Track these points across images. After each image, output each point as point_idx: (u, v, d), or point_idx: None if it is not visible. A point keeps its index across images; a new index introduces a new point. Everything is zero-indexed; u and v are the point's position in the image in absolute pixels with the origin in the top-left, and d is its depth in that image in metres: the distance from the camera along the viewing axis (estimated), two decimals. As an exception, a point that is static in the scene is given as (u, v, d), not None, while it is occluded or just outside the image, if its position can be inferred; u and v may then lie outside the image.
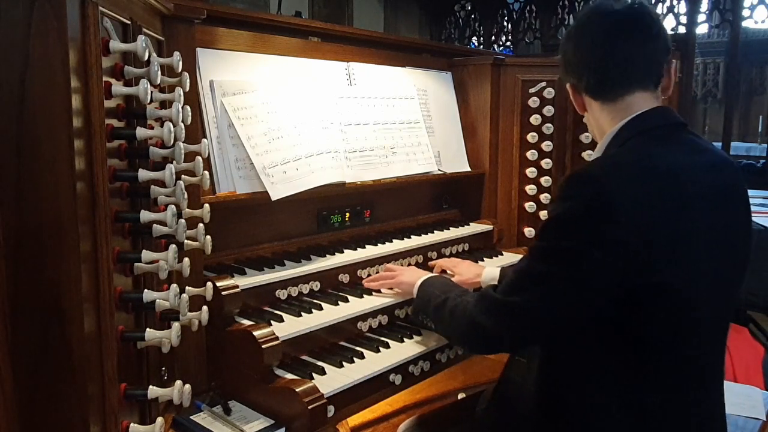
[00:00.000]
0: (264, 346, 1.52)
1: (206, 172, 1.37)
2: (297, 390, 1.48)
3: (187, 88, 1.31)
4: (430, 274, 1.85)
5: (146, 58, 1.12)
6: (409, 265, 2.15)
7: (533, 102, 2.54)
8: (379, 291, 1.94)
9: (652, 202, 1.23)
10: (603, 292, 1.25)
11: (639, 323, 1.27)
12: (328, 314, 1.75)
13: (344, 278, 1.97)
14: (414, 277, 1.86)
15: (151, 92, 1.11)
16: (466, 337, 1.52)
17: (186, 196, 1.26)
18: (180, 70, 1.27)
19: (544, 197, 2.58)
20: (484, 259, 2.36)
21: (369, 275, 2.02)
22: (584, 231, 1.24)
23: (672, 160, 1.30)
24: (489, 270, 1.96)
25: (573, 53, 1.48)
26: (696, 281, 1.28)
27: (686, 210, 1.26)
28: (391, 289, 1.94)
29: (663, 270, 1.24)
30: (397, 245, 2.14)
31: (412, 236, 2.24)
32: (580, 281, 1.26)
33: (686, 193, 1.27)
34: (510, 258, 2.43)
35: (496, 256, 2.43)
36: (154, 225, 1.15)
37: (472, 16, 9.41)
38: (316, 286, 1.88)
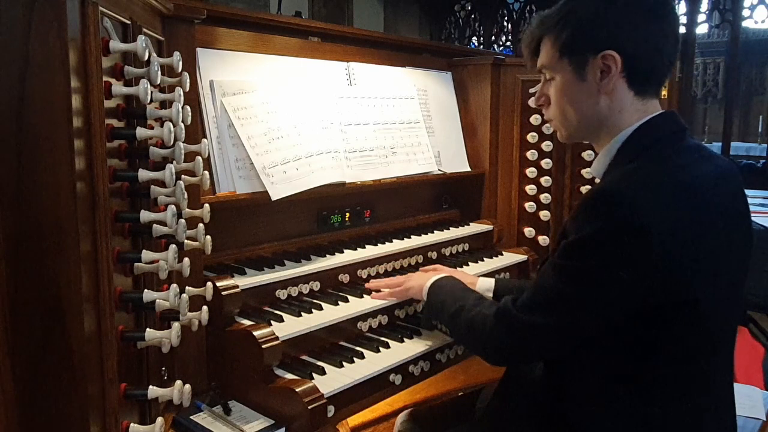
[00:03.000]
0: (264, 346, 1.52)
1: (206, 172, 1.37)
2: (297, 390, 1.48)
3: (187, 88, 1.31)
4: (438, 276, 1.80)
5: (146, 58, 1.12)
6: (409, 265, 2.16)
7: (533, 102, 2.54)
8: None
9: (682, 220, 1.20)
10: (627, 310, 1.24)
11: (653, 333, 1.25)
12: (328, 314, 1.75)
13: (344, 278, 1.97)
14: (422, 280, 1.80)
15: (151, 92, 1.11)
16: (485, 351, 1.49)
17: (186, 196, 1.26)
18: (180, 70, 1.27)
19: (544, 197, 2.58)
20: (484, 259, 2.36)
21: (369, 275, 2.02)
22: (614, 253, 1.20)
23: (693, 173, 1.28)
24: (483, 280, 1.90)
25: (614, 15, 1.30)
26: (717, 293, 1.28)
27: (710, 225, 1.24)
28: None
29: (691, 287, 1.22)
30: (397, 245, 2.14)
31: (412, 236, 2.24)
32: (606, 302, 1.24)
33: (709, 208, 1.25)
34: (510, 258, 2.43)
35: (496, 256, 2.43)
36: (154, 225, 1.14)
37: (472, 16, 9.42)
38: (316, 286, 1.88)
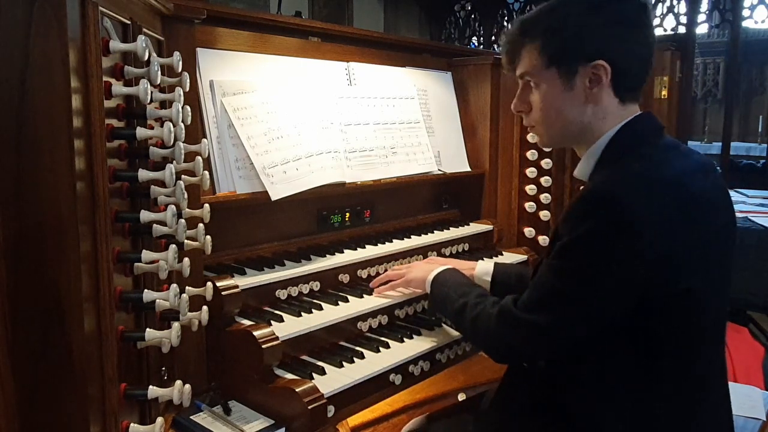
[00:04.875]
0: (264, 346, 1.52)
1: (206, 172, 1.37)
2: (297, 390, 1.48)
3: (187, 88, 1.31)
4: (440, 268, 1.81)
5: (146, 58, 1.12)
6: (409, 265, 2.15)
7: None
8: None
9: (668, 214, 1.23)
10: (624, 306, 1.26)
11: (650, 329, 1.28)
12: (328, 314, 1.75)
13: (344, 278, 1.97)
14: (425, 271, 1.83)
15: (151, 92, 1.11)
16: (489, 348, 1.53)
17: (186, 196, 1.26)
18: (180, 70, 1.27)
19: (544, 197, 2.57)
20: (484, 259, 2.36)
21: (369, 275, 2.02)
22: (607, 250, 1.23)
23: (676, 169, 1.32)
24: (482, 264, 1.93)
25: (601, 25, 1.34)
26: (709, 286, 1.30)
27: (698, 218, 1.27)
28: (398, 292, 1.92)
29: (684, 280, 1.25)
30: (397, 245, 2.14)
31: (412, 236, 2.24)
32: (603, 299, 1.27)
33: (695, 201, 1.28)
34: (510, 258, 2.43)
35: (496, 256, 2.42)
36: (154, 225, 1.14)
37: (472, 16, 9.42)
38: (316, 286, 1.88)
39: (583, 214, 1.27)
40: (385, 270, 2.07)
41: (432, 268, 1.83)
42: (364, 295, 1.90)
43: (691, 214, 1.26)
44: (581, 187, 1.41)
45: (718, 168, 1.49)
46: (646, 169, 1.29)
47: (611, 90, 1.37)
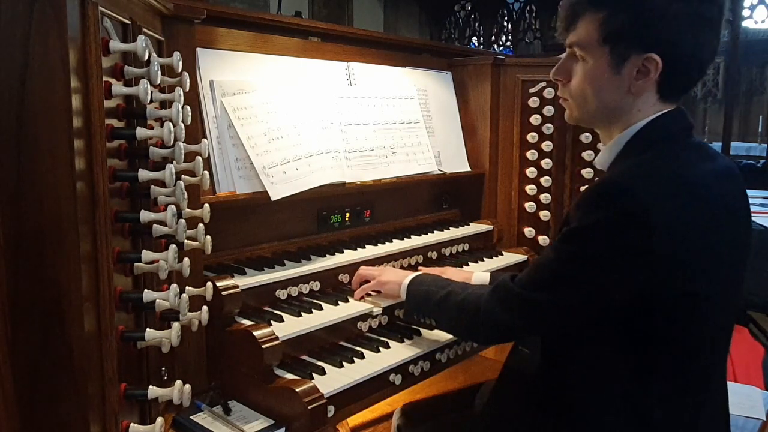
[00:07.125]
0: (264, 346, 1.52)
1: (206, 172, 1.37)
2: (297, 390, 1.48)
3: (187, 88, 1.31)
4: (415, 273, 1.81)
5: (146, 58, 1.12)
6: (409, 265, 2.16)
7: (533, 102, 2.54)
8: (362, 298, 1.88)
9: (684, 214, 1.22)
10: (626, 298, 1.26)
11: (649, 329, 1.27)
12: (328, 314, 1.75)
13: (344, 278, 1.97)
14: (398, 276, 1.80)
15: (151, 92, 1.11)
16: (478, 329, 1.50)
17: (186, 196, 1.26)
18: (180, 70, 1.27)
19: (544, 197, 2.58)
20: (484, 259, 2.36)
21: (369, 275, 2.01)
22: (616, 241, 1.22)
23: (697, 170, 1.30)
24: (478, 275, 1.92)
25: (675, 15, 1.24)
26: (716, 288, 1.29)
27: (712, 220, 1.26)
28: (373, 293, 1.88)
29: (691, 280, 1.24)
30: (397, 245, 2.14)
31: (412, 236, 2.24)
32: (604, 287, 1.26)
33: (711, 204, 1.27)
34: (510, 258, 2.43)
35: (496, 256, 2.43)
36: (154, 225, 1.14)
37: (472, 16, 9.43)
38: (316, 286, 1.88)
39: (596, 202, 1.25)
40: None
41: (406, 273, 1.81)
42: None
43: (707, 219, 1.25)
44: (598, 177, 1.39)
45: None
46: (667, 166, 1.28)
47: (656, 86, 1.32)
